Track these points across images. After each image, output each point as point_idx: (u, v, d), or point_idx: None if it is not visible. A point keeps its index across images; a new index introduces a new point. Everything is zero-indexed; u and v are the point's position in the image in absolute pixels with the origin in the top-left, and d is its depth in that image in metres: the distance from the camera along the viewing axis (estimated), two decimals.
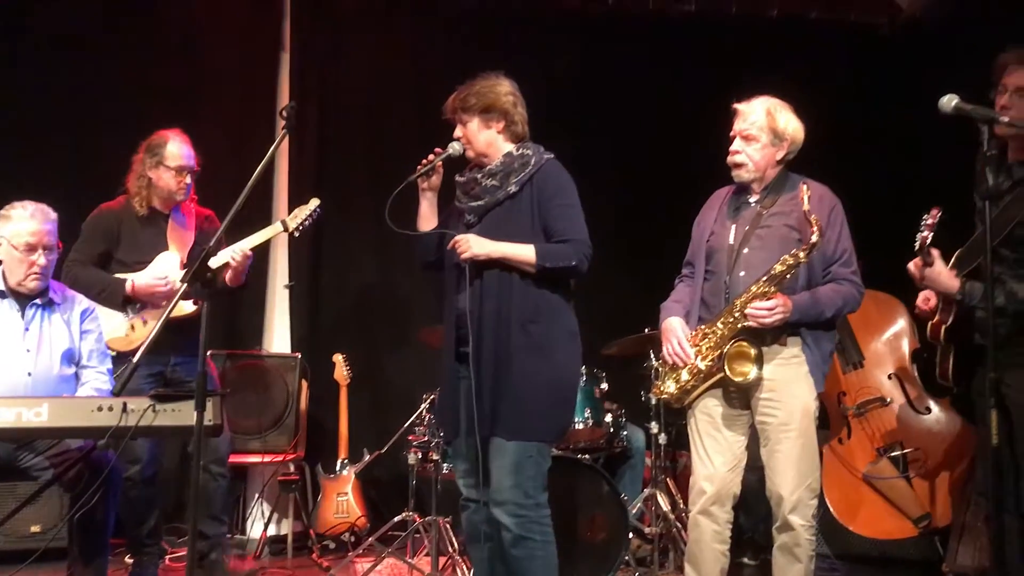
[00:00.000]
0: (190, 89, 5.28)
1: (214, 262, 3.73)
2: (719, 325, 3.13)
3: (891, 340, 4.48)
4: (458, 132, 3.14)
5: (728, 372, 3.07)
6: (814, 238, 3.01)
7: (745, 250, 3.18)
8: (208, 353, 4.00)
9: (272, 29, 5.40)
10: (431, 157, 3.13)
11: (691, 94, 5.35)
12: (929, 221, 2.93)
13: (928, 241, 2.92)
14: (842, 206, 3.21)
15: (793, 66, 5.35)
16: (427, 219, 3.22)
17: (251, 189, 2.76)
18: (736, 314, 3.09)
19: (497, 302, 3.00)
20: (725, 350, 3.08)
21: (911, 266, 3.03)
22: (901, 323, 4.46)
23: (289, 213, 4.08)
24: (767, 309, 3.02)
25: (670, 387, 3.24)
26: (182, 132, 4.01)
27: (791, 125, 3.21)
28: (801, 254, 3.04)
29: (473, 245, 2.98)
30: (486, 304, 3.00)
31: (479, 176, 3.10)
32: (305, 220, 3.97)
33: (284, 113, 2.81)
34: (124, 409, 2.87)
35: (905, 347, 4.44)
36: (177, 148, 3.92)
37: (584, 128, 5.32)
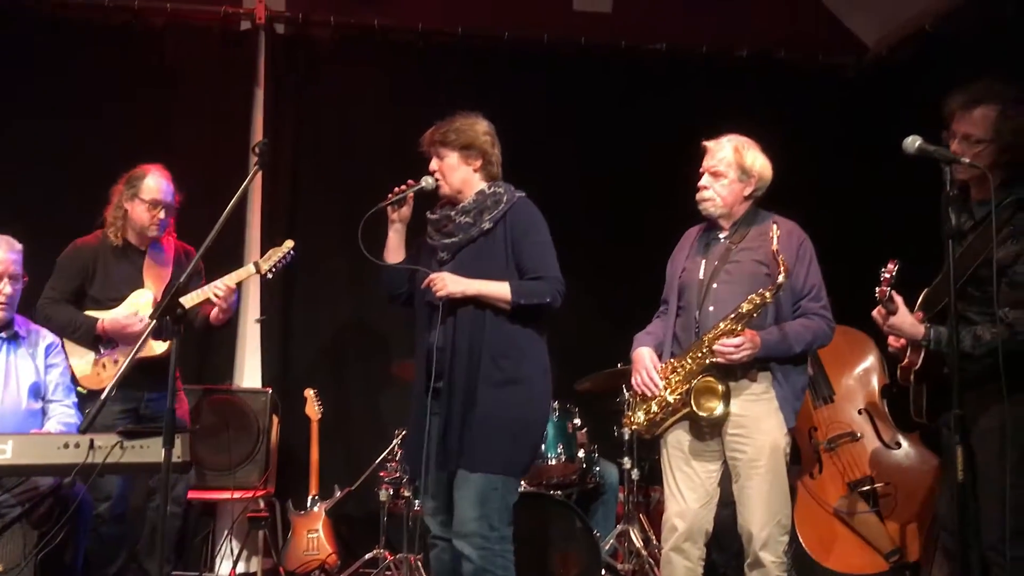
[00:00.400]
0: (164, 124, 5.28)
1: (188, 299, 3.70)
2: (688, 360, 3.17)
3: (861, 375, 4.52)
4: (434, 166, 3.16)
5: (695, 407, 3.10)
6: (780, 278, 3.05)
7: (714, 285, 3.23)
8: (181, 389, 4.10)
9: (247, 66, 5.42)
10: (403, 187, 3.15)
11: (661, 131, 5.42)
12: (886, 275, 2.93)
13: (887, 295, 2.93)
14: (811, 241, 3.27)
15: (762, 105, 5.45)
16: (395, 251, 3.23)
17: (223, 225, 2.77)
18: (704, 349, 3.12)
19: (470, 338, 3.01)
20: (692, 384, 3.11)
21: (875, 315, 3.03)
22: (871, 359, 4.50)
23: (262, 250, 4.06)
24: (734, 346, 3.05)
25: (639, 417, 3.27)
26: (163, 168, 3.99)
27: (758, 162, 3.27)
28: (767, 293, 3.08)
29: (449, 283, 2.99)
30: (459, 340, 3.01)
31: (452, 213, 3.12)
32: (279, 262, 3.90)
33: (257, 150, 2.82)
34: (91, 446, 2.85)
35: (875, 382, 4.47)
36: (153, 182, 3.89)
37: (555, 164, 5.37)
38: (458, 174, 3.14)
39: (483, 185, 3.14)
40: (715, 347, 3.08)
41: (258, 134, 5.36)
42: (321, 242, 5.24)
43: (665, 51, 5.68)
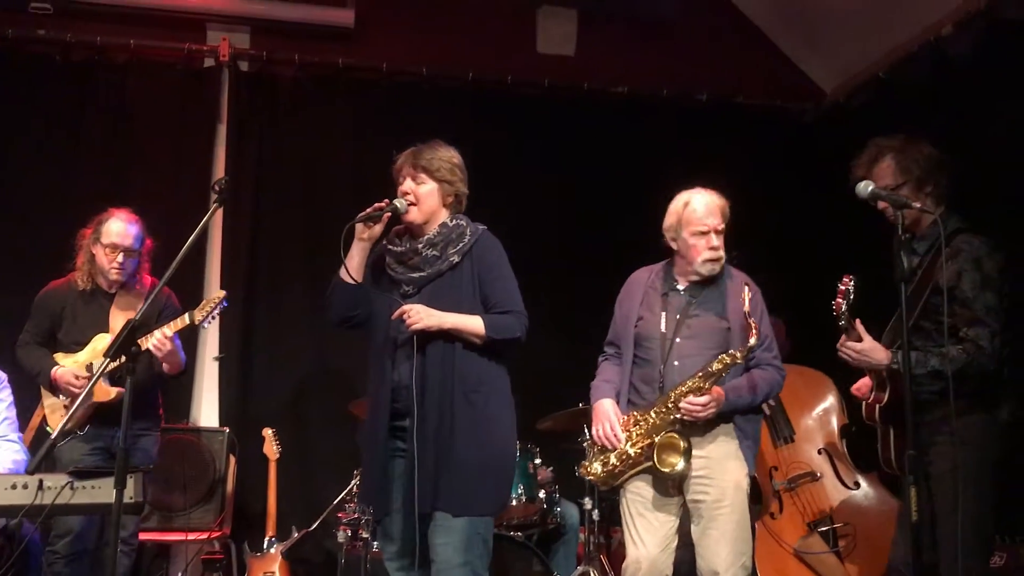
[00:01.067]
0: (125, 161, 5.25)
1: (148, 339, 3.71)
2: (652, 414, 3.18)
3: (820, 416, 4.55)
4: (408, 188, 3.06)
5: (657, 463, 3.11)
6: (752, 341, 3.10)
7: (677, 339, 3.24)
8: (159, 429, 4.05)
9: (210, 103, 5.42)
10: (380, 205, 3.03)
11: (623, 172, 5.48)
12: (841, 288, 2.95)
13: (843, 308, 2.94)
14: (760, 292, 3.32)
15: (721, 148, 5.54)
16: (358, 269, 3.07)
17: (180, 262, 2.75)
18: (670, 405, 3.14)
19: (442, 372, 2.94)
20: (656, 440, 3.11)
21: (841, 347, 3.02)
22: (830, 399, 4.54)
23: (222, 286, 4.04)
24: (701, 405, 3.08)
25: (596, 469, 3.26)
26: (130, 212, 3.99)
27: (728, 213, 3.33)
28: (739, 355, 3.13)
29: (424, 316, 2.91)
30: (430, 375, 2.93)
31: (420, 246, 3.04)
32: (212, 311, 3.83)
33: (216, 187, 2.80)
34: (40, 486, 2.77)
35: (834, 423, 4.51)
36: (115, 226, 3.87)
37: (518, 204, 5.39)
38: (431, 203, 3.06)
39: (445, 217, 3.11)
40: (682, 404, 3.10)
41: (220, 171, 5.34)
42: (282, 279, 5.22)
43: (627, 94, 5.77)
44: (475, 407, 2.94)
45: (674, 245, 3.35)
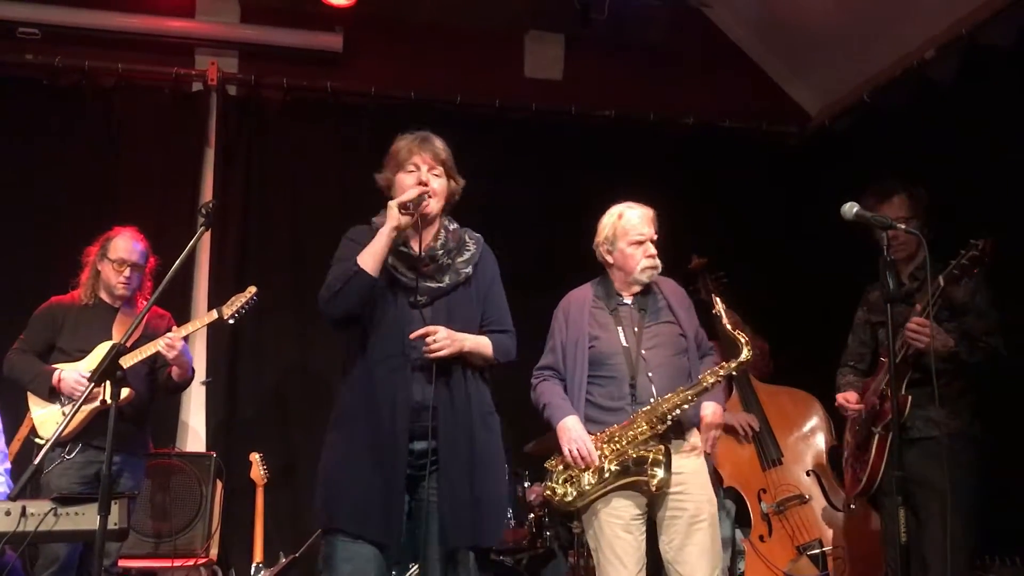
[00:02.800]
0: (113, 185, 5.25)
1: (136, 353, 3.77)
2: (637, 428, 3.15)
3: (807, 436, 4.55)
4: (432, 183, 2.83)
5: (639, 476, 3.09)
6: (745, 354, 3.16)
7: (643, 351, 3.26)
8: (147, 454, 4.03)
9: (198, 126, 5.43)
10: (424, 189, 2.77)
11: (608, 197, 5.48)
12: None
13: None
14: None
15: (708, 171, 5.57)
16: (381, 262, 2.73)
17: (168, 284, 2.74)
18: (656, 417, 3.13)
19: (465, 393, 2.76)
20: (631, 453, 3.09)
21: (915, 322, 3.16)
22: (816, 419, 4.54)
23: (209, 308, 4.06)
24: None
25: (569, 492, 3.20)
26: (136, 230, 4.07)
27: None
28: (733, 365, 3.19)
29: (448, 342, 2.69)
30: (456, 396, 2.74)
31: (439, 252, 2.82)
32: (242, 307, 3.98)
33: (203, 211, 2.80)
34: (23, 513, 2.74)
35: (821, 443, 4.51)
36: (122, 242, 3.97)
37: (505, 227, 5.37)
38: (443, 200, 2.88)
39: (444, 219, 2.94)
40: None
41: (208, 194, 5.35)
42: (269, 303, 5.19)
43: (613, 118, 5.80)
44: (492, 432, 2.81)
45: (609, 258, 3.42)
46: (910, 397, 3.25)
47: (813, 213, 5.30)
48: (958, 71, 4.63)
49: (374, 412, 2.71)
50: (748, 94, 6.01)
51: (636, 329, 3.29)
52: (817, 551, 4.23)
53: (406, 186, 2.82)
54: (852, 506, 4.06)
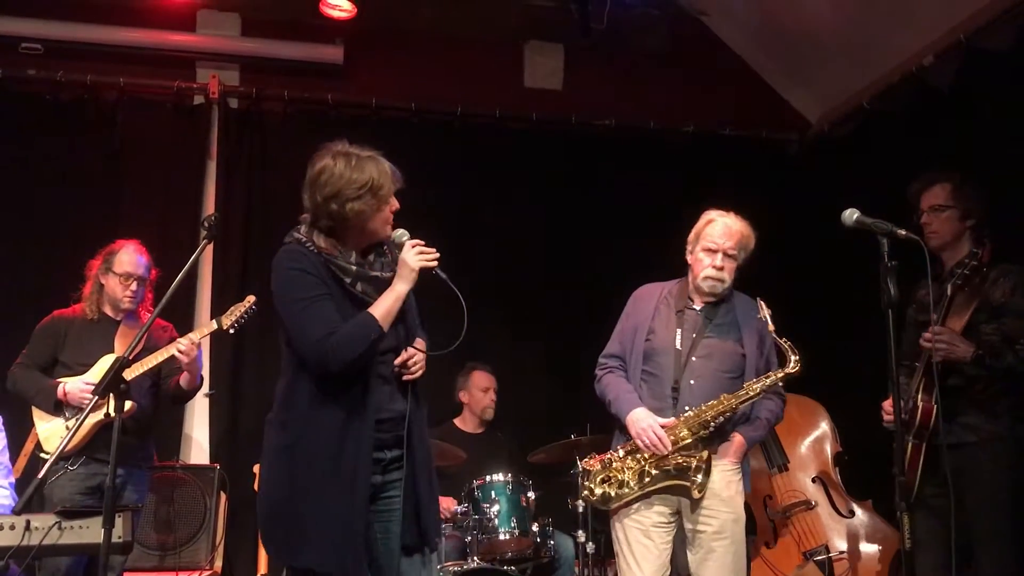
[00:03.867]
0: (116, 198, 5.27)
1: (147, 361, 3.78)
2: (684, 432, 3.14)
3: (814, 444, 4.56)
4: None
5: (681, 479, 3.09)
6: (793, 364, 3.18)
7: (693, 358, 3.24)
8: (151, 467, 4.03)
9: (199, 139, 5.44)
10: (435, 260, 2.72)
11: (610, 204, 5.52)
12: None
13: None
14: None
15: (708, 179, 5.58)
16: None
17: (170, 298, 2.75)
18: (699, 423, 3.13)
19: (420, 402, 2.79)
20: (693, 464, 3.09)
21: (935, 331, 3.13)
22: (823, 427, 4.55)
23: (212, 318, 4.07)
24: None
25: (607, 492, 3.20)
26: (139, 243, 4.06)
27: (752, 245, 3.38)
28: (781, 374, 3.20)
29: (423, 366, 2.74)
30: (420, 406, 2.78)
31: (382, 268, 2.79)
32: (241, 317, 3.97)
33: (206, 223, 2.81)
34: (27, 527, 2.75)
35: (828, 450, 4.51)
36: (126, 256, 3.97)
37: (507, 236, 5.41)
38: None
39: None
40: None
41: (210, 207, 5.36)
42: (271, 315, 5.18)
43: (614, 127, 5.81)
44: (428, 438, 2.85)
45: (689, 259, 3.39)
46: (935, 406, 3.15)
47: (814, 219, 5.32)
48: (957, 76, 4.64)
49: (334, 434, 2.62)
50: (748, 102, 6.02)
51: (694, 335, 3.26)
52: (823, 557, 4.24)
53: (388, 220, 2.77)
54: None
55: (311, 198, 2.76)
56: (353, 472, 2.59)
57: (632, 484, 3.17)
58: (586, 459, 3.37)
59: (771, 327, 3.21)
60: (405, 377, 2.70)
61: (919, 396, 3.21)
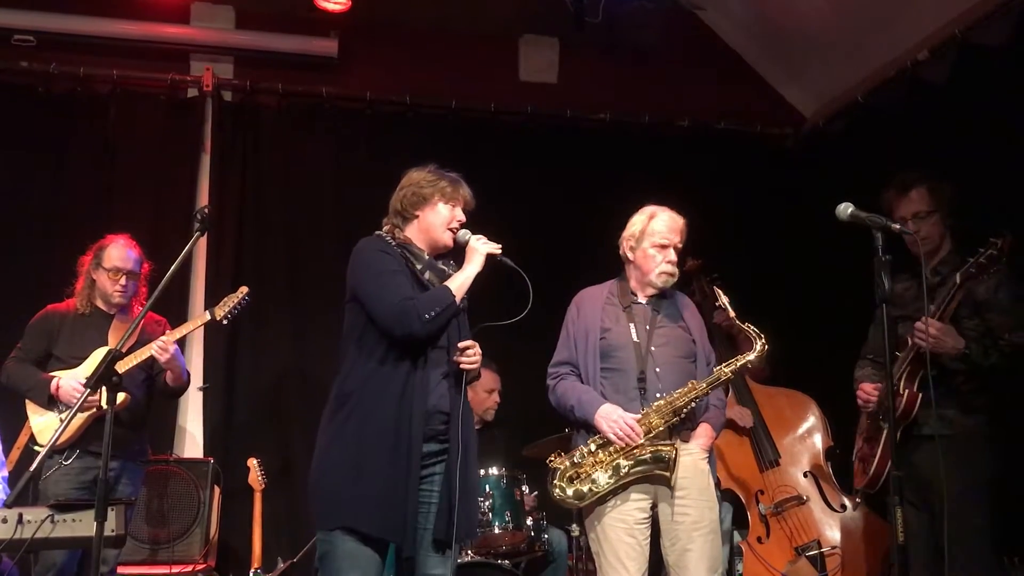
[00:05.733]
0: (108, 191, 5.25)
1: (130, 358, 3.76)
2: (656, 421, 3.15)
3: (804, 437, 4.56)
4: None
5: (667, 471, 3.09)
6: (759, 347, 3.21)
7: (653, 348, 3.28)
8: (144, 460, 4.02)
9: (193, 132, 5.43)
10: (499, 248, 3.09)
11: (605, 197, 5.49)
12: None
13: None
14: None
15: (703, 173, 5.58)
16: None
17: (164, 289, 2.75)
18: (671, 411, 3.15)
19: (467, 402, 2.99)
20: (673, 456, 3.10)
21: (925, 323, 3.15)
22: (812, 420, 4.55)
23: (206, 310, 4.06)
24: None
25: (578, 489, 3.19)
26: (129, 238, 4.07)
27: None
28: (750, 357, 3.22)
29: (479, 358, 2.97)
30: (464, 404, 2.95)
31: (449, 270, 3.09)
32: (234, 308, 3.98)
33: (198, 216, 2.81)
34: (19, 520, 2.74)
35: (819, 444, 4.51)
36: (115, 251, 3.97)
37: (501, 230, 5.37)
38: None
39: None
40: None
41: (204, 199, 5.34)
42: (265, 307, 5.20)
43: (609, 120, 5.81)
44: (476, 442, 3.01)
45: (631, 255, 3.43)
46: (920, 395, 3.21)
47: (808, 214, 5.32)
48: (951, 71, 4.64)
49: (391, 412, 2.81)
50: (742, 96, 6.02)
51: (648, 327, 3.31)
52: (815, 552, 4.24)
53: (447, 216, 3.07)
54: (858, 500, 4.05)
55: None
56: (408, 449, 2.76)
57: (606, 478, 3.17)
58: (550, 458, 3.32)
59: (732, 313, 3.27)
60: (462, 364, 2.89)
61: (902, 384, 3.27)
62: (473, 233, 3.09)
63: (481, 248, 3.00)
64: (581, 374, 3.34)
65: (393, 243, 3.02)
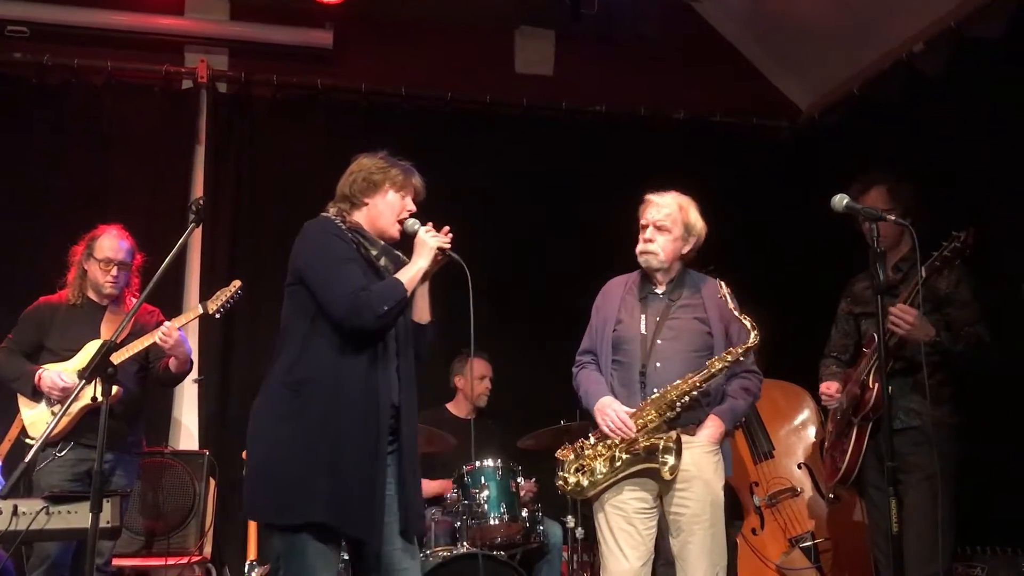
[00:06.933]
0: (103, 183, 5.24)
1: (131, 347, 3.75)
2: (651, 415, 3.15)
3: (799, 429, 4.58)
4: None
5: (658, 464, 3.08)
6: (752, 339, 3.14)
7: (658, 341, 3.25)
8: (140, 452, 4.01)
9: (188, 124, 5.42)
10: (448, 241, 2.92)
11: (600, 189, 5.51)
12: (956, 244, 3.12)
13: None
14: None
15: (698, 165, 5.58)
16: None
17: (158, 280, 2.74)
18: (665, 404, 3.13)
19: (412, 390, 2.88)
20: (662, 445, 3.09)
21: (899, 309, 3.21)
22: (807, 412, 4.56)
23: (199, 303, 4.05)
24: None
25: (581, 480, 3.22)
26: (121, 228, 4.03)
27: (699, 223, 3.35)
28: (741, 349, 3.16)
29: None
30: (413, 397, 2.86)
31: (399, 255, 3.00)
32: (227, 302, 3.93)
33: (193, 207, 2.80)
34: (14, 512, 2.74)
35: (812, 436, 4.53)
36: (107, 241, 3.94)
37: (495, 221, 5.40)
38: None
39: None
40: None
41: (198, 191, 5.34)
42: (260, 299, 5.19)
43: (604, 113, 5.81)
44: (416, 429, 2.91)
45: None
46: (890, 388, 3.22)
47: (804, 206, 5.33)
48: (947, 64, 4.64)
49: (359, 404, 2.70)
50: (738, 88, 6.01)
51: (658, 319, 3.27)
52: (809, 543, 4.26)
53: (397, 205, 2.95)
54: (831, 496, 4.08)
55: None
56: (376, 444, 2.67)
57: (603, 470, 3.18)
58: (560, 449, 3.37)
59: (731, 305, 3.20)
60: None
61: (871, 379, 3.34)
62: (449, 225, 2.96)
63: (431, 242, 2.86)
64: (600, 364, 3.35)
65: (344, 227, 2.89)
